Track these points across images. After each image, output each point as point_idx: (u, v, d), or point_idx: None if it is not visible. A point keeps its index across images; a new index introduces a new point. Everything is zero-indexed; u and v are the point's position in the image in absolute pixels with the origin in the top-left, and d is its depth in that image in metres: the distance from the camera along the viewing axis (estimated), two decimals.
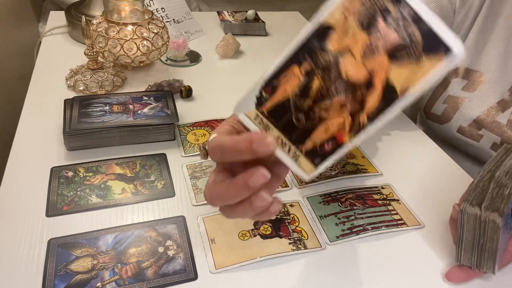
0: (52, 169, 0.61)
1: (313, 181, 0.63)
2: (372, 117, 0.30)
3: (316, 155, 0.33)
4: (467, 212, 0.46)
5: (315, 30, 0.30)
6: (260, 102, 0.33)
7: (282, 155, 0.34)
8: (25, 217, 0.53)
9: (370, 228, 0.56)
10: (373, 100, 0.30)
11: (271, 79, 0.32)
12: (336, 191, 0.62)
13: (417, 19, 0.28)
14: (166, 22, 1.02)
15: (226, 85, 0.88)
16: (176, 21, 1.05)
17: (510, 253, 0.50)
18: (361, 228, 0.56)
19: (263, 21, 1.14)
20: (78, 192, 0.57)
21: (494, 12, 0.72)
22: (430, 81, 0.28)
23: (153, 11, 0.95)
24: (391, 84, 0.29)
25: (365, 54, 0.29)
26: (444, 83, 0.79)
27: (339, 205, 0.59)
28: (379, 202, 0.60)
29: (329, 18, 0.30)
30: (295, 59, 0.31)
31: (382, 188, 0.63)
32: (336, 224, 0.56)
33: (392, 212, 0.59)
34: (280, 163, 0.35)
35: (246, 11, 1.17)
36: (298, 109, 0.32)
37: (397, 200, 0.61)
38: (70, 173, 0.60)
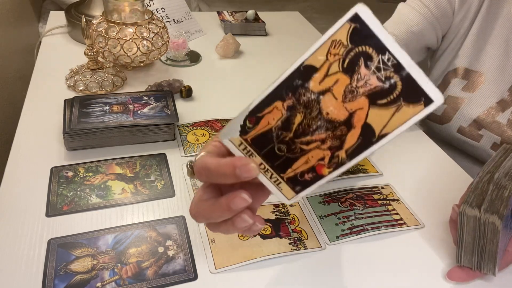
0: (52, 169, 0.61)
1: None
2: (350, 154, 0.32)
3: (297, 183, 0.35)
4: (466, 214, 0.46)
5: (298, 69, 0.31)
6: (244, 130, 0.34)
7: (264, 180, 0.35)
8: (25, 217, 0.53)
9: (370, 228, 0.56)
10: (352, 139, 0.31)
11: (255, 111, 0.34)
12: (336, 191, 0.62)
13: (399, 69, 0.29)
14: (166, 22, 1.02)
15: (226, 85, 0.88)
16: (176, 21, 1.05)
17: (511, 254, 0.50)
18: (361, 228, 0.56)
19: (263, 21, 1.14)
20: (78, 192, 0.57)
21: (493, 12, 0.73)
22: (409, 125, 0.30)
23: (153, 11, 0.95)
24: (370, 126, 0.31)
25: (346, 96, 0.31)
26: (443, 84, 0.79)
27: (339, 205, 0.59)
28: (379, 202, 0.60)
29: (313, 59, 0.31)
30: (278, 94, 0.32)
31: (382, 188, 0.63)
32: (336, 224, 0.56)
33: (392, 212, 0.59)
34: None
35: (246, 11, 1.17)
36: (280, 141, 0.34)
37: (397, 200, 0.61)
38: (70, 173, 0.60)
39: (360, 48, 0.29)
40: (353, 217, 0.57)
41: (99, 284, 0.46)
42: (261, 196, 0.38)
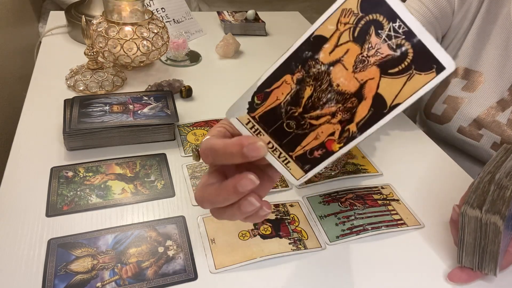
0: (52, 169, 0.61)
1: (313, 181, 0.63)
2: (361, 127, 0.31)
3: (306, 161, 0.34)
4: (467, 214, 0.46)
5: (308, 40, 0.31)
6: (252, 107, 0.33)
7: (272, 159, 0.34)
8: (25, 217, 0.53)
9: (370, 228, 0.56)
10: (363, 111, 0.31)
11: (263, 86, 0.33)
12: (336, 191, 0.62)
13: (411, 36, 0.28)
14: (166, 22, 1.02)
15: (226, 85, 0.88)
16: (176, 21, 1.05)
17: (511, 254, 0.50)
18: (361, 228, 0.56)
19: (263, 21, 1.14)
20: (78, 192, 0.57)
21: (492, 12, 0.73)
22: (420, 94, 0.29)
23: (153, 11, 0.95)
24: (381, 96, 0.30)
25: (357, 66, 0.30)
26: (444, 83, 0.79)
27: (339, 205, 0.59)
28: (379, 202, 0.60)
29: (323, 29, 0.30)
30: (287, 67, 0.32)
31: (382, 188, 0.63)
32: (336, 224, 0.56)
33: (392, 212, 0.59)
34: (273, 166, 0.36)
35: (246, 11, 1.17)
36: (289, 116, 0.33)
37: (397, 200, 0.61)
38: (70, 173, 0.60)
39: (370, 16, 0.29)
40: (353, 217, 0.57)
41: (99, 284, 0.46)
42: (268, 184, 0.37)
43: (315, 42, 0.31)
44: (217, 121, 0.74)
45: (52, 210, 0.55)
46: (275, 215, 0.57)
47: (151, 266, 0.48)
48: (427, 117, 0.82)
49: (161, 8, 1.02)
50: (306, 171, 0.34)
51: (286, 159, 0.34)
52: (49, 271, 0.47)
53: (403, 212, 0.59)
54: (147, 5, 0.99)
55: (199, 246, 0.52)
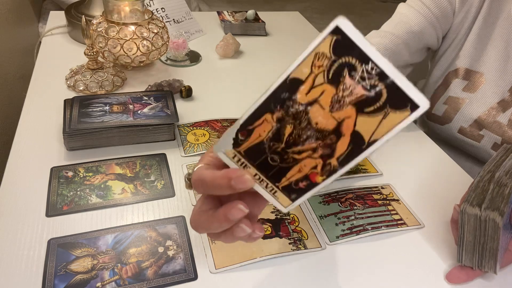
0: (52, 169, 0.61)
1: None
2: (342, 162, 0.33)
3: (292, 191, 0.35)
4: (467, 212, 0.46)
5: (284, 82, 0.32)
6: (236, 143, 0.35)
7: (260, 189, 0.36)
8: (25, 217, 0.53)
9: (370, 228, 0.56)
10: (342, 147, 0.32)
11: (245, 124, 0.34)
12: (336, 191, 0.62)
13: (383, 77, 0.29)
14: (166, 22, 1.02)
15: (226, 85, 0.88)
16: (176, 21, 1.05)
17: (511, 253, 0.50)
18: (361, 228, 0.56)
19: (263, 21, 1.14)
20: (78, 192, 0.57)
21: (493, 13, 0.72)
22: (397, 131, 0.30)
23: (153, 11, 0.95)
24: (359, 133, 0.31)
25: (333, 106, 0.31)
26: (444, 84, 0.79)
27: (339, 205, 0.59)
28: (379, 202, 0.60)
29: (298, 72, 0.32)
30: (267, 107, 0.33)
31: (382, 188, 0.63)
32: (336, 224, 0.56)
33: (392, 212, 0.59)
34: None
35: (246, 11, 1.17)
36: (272, 151, 0.34)
37: (397, 200, 0.61)
38: (70, 173, 0.60)
39: (343, 59, 0.30)
40: (353, 217, 0.57)
41: (99, 284, 0.46)
42: (262, 202, 0.38)
43: (292, 84, 0.32)
44: (217, 121, 0.74)
45: (52, 210, 0.55)
46: (275, 215, 0.57)
47: (151, 266, 0.48)
48: (428, 117, 0.82)
49: (161, 8, 1.02)
50: (293, 200, 0.36)
51: (273, 189, 0.36)
52: (49, 271, 0.47)
53: (403, 212, 0.59)
54: (147, 5, 0.99)
55: (199, 246, 0.52)
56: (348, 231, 0.55)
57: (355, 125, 0.31)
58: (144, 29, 0.82)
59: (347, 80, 0.30)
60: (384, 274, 0.51)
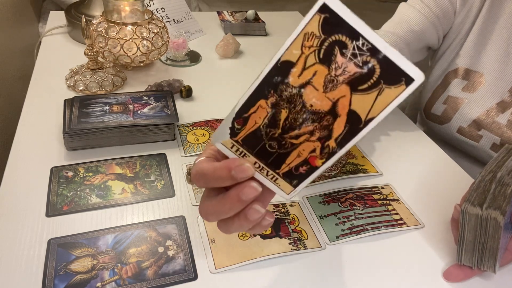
0: (52, 169, 0.61)
1: (313, 181, 0.63)
2: (340, 142, 0.32)
3: (293, 177, 0.35)
4: (468, 212, 0.46)
5: (276, 66, 0.32)
6: (233, 132, 0.35)
7: (261, 178, 0.36)
8: (25, 217, 0.53)
9: (370, 228, 0.56)
10: (339, 127, 0.32)
11: (240, 112, 0.34)
12: (336, 191, 0.62)
13: (375, 52, 0.29)
14: (166, 22, 1.02)
15: (226, 85, 0.88)
16: (176, 21, 1.05)
17: (511, 253, 0.50)
18: (361, 228, 0.56)
19: (263, 21, 1.14)
20: (78, 192, 0.57)
21: (494, 13, 0.72)
22: (393, 106, 0.30)
23: (153, 11, 0.95)
24: (355, 112, 0.31)
25: (327, 86, 0.31)
26: (444, 84, 0.79)
27: (339, 205, 0.59)
28: (379, 202, 0.60)
29: (288, 54, 0.31)
30: (261, 93, 0.33)
31: (382, 188, 0.63)
32: (336, 224, 0.56)
33: (392, 212, 0.59)
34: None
35: (246, 11, 1.17)
36: (269, 138, 0.34)
37: (397, 200, 0.61)
38: (70, 173, 0.60)
39: (333, 37, 0.29)
40: (353, 217, 0.57)
41: (99, 284, 0.46)
42: (268, 195, 0.37)
43: (283, 68, 0.32)
44: (217, 121, 0.74)
45: (52, 210, 0.55)
46: (275, 215, 0.57)
47: (151, 266, 0.48)
48: (427, 117, 0.82)
49: (161, 8, 1.02)
50: (294, 186, 0.35)
51: (274, 176, 0.35)
52: (49, 271, 0.47)
53: (403, 212, 0.59)
54: (147, 5, 0.99)
55: (199, 246, 0.52)
56: (348, 231, 0.55)
57: (350, 104, 0.31)
58: (144, 29, 0.82)
59: (339, 58, 0.30)
60: (384, 274, 0.51)
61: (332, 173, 0.65)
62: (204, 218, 0.37)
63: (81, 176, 0.60)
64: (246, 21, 1.14)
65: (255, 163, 0.35)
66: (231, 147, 0.35)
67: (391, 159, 0.70)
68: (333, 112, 0.31)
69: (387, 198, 0.61)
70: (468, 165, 0.79)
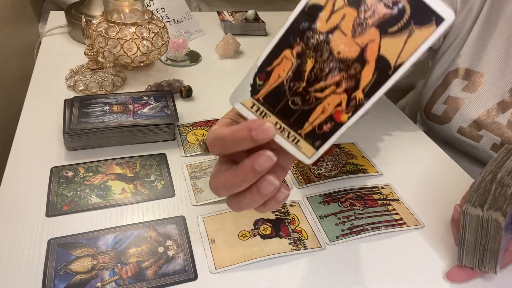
0: (52, 169, 0.61)
1: (313, 181, 0.63)
2: (368, 93, 0.31)
3: (316, 137, 0.33)
4: (469, 213, 0.46)
5: (303, 10, 0.30)
6: (254, 89, 0.33)
7: (281, 141, 0.34)
8: (25, 217, 0.53)
9: (370, 228, 0.56)
10: (367, 75, 0.30)
11: (264, 65, 0.32)
12: (336, 191, 0.62)
13: None
14: (166, 22, 1.02)
15: (226, 85, 0.88)
16: (176, 21, 1.05)
17: (511, 253, 0.50)
18: (361, 228, 0.56)
19: (263, 21, 1.14)
20: (78, 192, 0.57)
21: (495, 13, 0.72)
22: (423, 49, 0.28)
23: (153, 11, 0.95)
24: (384, 58, 0.29)
25: (355, 30, 0.30)
26: (444, 84, 0.79)
27: (339, 205, 0.59)
28: (379, 202, 0.60)
29: None
30: (286, 42, 0.31)
31: (382, 188, 0.63)
32: (336, 224, 0.56)
33: (392, 212, 0.59)
34: (283, 154, 0.35)
35: (246, 11, 1.17)
36: (293, 93, 0.32)
37: (397, 200, 0.61)
38: (70, 173, 0.60)
39: None
40: (353, 217, 0.57)
41: (99, 284, 0.46)
42: (281, 174, 0.36)
43: (311, 12, 0.30)
44: (217, 120, 0.74)
45: (52, 210, 0.55)
46: (275, 215, 0.57)
47: (151, 266, 0.48)
48: (427, 117, 0.82)
49: (161, 8, 1.02)
50: (317, 148, 0.33)
51: (296, 138, 0.33)
52: (49, 271, 0.47)
53: (403, 212, 0.59)
54: (147, 5, 0.99)
55: (199, 246, 0.52)
56: (348, 231, 0.55)
57: (379, 49, 0.29)
58: (144, 29, 0.82)
59: (368, 0, 0.29)
60: (384, 274, 0.51)
61: (332, 173, 0.65)
62: (215, 192, 0.35)
63: (81, 176, 0.60)
64: (246, 21, 1.14)
65: (276, 123, 0.33)
66: (251, 107, 0.33)
67: (391, 159, 0.70)
68: (361, 59, 0.30)
69: (387, 198, 0.61)
70: (468, 165, 0.79)
